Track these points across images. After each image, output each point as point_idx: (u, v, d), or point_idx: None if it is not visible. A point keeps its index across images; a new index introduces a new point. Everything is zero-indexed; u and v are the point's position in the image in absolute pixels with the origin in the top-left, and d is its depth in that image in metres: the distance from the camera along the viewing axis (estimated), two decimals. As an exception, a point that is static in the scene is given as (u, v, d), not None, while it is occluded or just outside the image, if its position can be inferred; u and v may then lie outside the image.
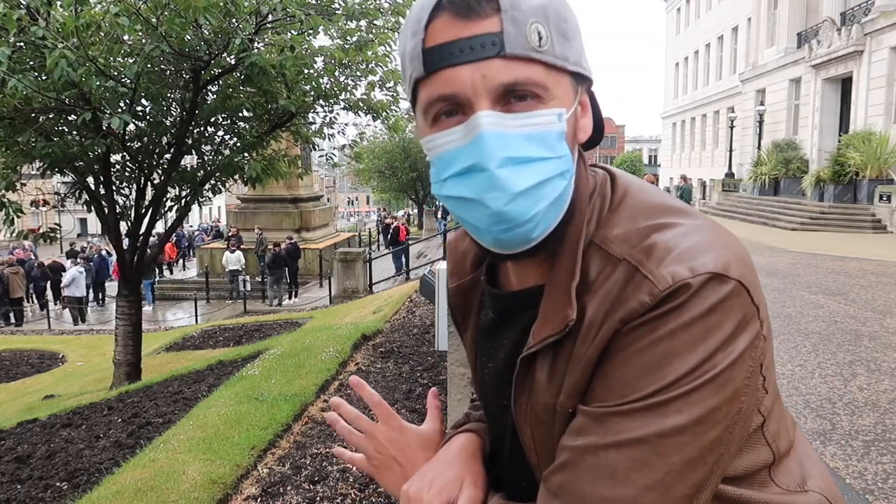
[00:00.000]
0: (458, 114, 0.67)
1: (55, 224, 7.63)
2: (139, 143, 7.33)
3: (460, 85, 0.65)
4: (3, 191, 6.42)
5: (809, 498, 0.75)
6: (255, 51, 5.90)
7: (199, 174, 7.29)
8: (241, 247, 18.75)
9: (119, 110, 6.17)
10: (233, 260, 17.99)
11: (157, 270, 20.89)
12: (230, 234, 20.55)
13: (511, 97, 0.66)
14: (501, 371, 0.82)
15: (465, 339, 0.95)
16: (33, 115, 6.21)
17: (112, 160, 7.30)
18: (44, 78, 5.73)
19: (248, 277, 18.30)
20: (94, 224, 30.26)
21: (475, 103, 0.65)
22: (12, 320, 17.37)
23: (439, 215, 25.70)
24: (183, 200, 7.80)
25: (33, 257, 20.95)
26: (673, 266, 0.64)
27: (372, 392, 0.92)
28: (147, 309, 17.27)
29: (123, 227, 7.73)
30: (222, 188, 8.08)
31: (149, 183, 7.58)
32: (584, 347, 0.68)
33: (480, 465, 0.86)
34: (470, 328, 0.91)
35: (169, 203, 7.91)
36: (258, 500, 3.08)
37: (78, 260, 19.07)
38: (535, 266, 0.76)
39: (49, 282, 19.26)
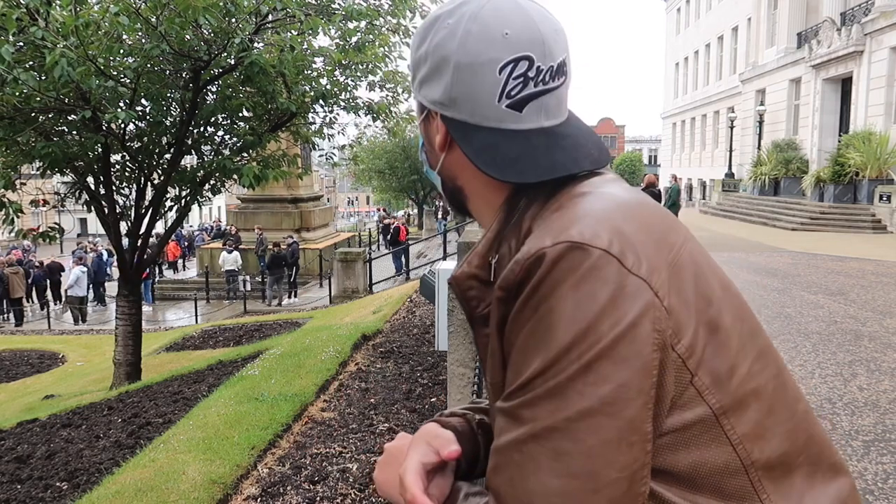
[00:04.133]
0: None
1: (55, 223, 7.62)
2: (139, 143, 7.33)
3: None
4: (3, 190, 6.42)
5: None
6: (255, 51, 5.90)
7: (198, 174, 7.29)
8: (241, 247, 18.73)
9: (119, 110, 6.17)
10: (230, 260, 17.97)
11: (158, 270, 20.89)
12: (231, 233, 20.55)
13: None
14: None
15: None
16: (33, 114, 6.20)
17: (112, 160, 7.30)
18: (43, 77, 5.73)
19: (247, 277, 18.28)
20: (95, 224, 30.26)
21: None
22: (12, 319, 17.39)
23: (439, 215, 25.70)
24: (183, 200, 7.80)
25: (32, 259, 20.94)
26: (543, 237, 0.68)
27: None
28: (146, 309, 17.27)
29: (123, 227, 7.73)
30: (222, 188, 8.08)
31: (149, 183, 7.58)
32: (490, 320, 0.73)
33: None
34: None
35: (169, 203, 7.91)
36: (258, 500, 3.08)
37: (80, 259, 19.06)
38: None
39: (49, 281, 19.26)
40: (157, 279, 20.11)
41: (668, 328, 0.66)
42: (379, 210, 41.32)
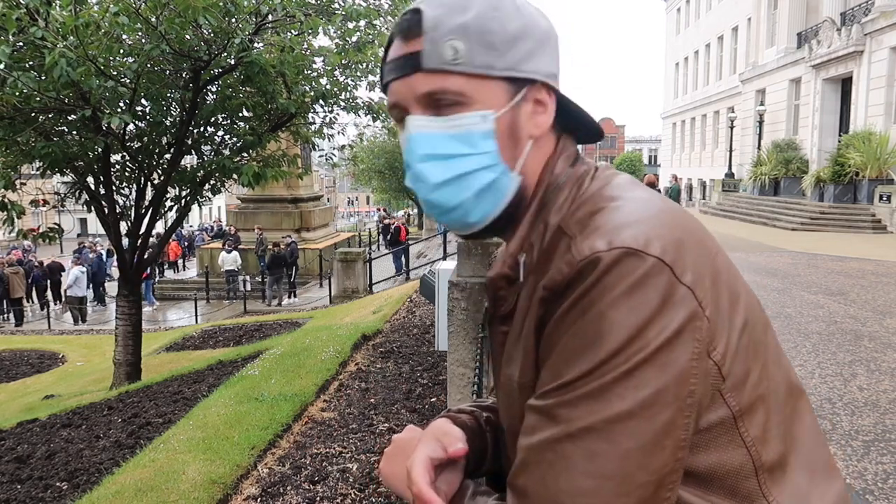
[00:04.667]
0: (405, 120, 0.78)
1: (55, 223, 7.62)
2: (139, 143, 7.33)
3: (397, 95, 0.78)
4: (3, 190, 6.42)
5: None
6: (255, 50, 5.90)
7: (198, 174, 7.29)
8: (240, 247, 18.72)
9: (119, 110, 6.17)
10: (229, 260, 17.97)
11: (158, 270, 20.89)
12: (230, 233, 20.56)
13: (439, 103, 0.75)
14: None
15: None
16: (33, 114, 6.20)
17: (112, 160, 7.30)
18: (43, 77, 5.72)
19: (247, 277, 18.28)
20: (95, 224, 30.26)
21: (410, 110, 0.77)
22: (12, 319, 17.38)
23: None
24: (183, 200, 7.80)
25: (32, 259, 20.93)
26: (594, 238, 0.67)
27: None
28: (148, 309, 17.26)
29: (123, 227, 7.73)
30: (222, 188, 8.08)
31: (149, 183, 7.58)
32: (526, 319, 0.72)
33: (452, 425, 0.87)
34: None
35: (169, 203, 7.91)
36: (258, 500, 3.08)
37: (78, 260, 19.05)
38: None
39: (49, 281, 19.25)
40: (156, 279, 20.10)
41: (707, 337, 0.67)
42: (379, 210, 41.31)
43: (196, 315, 15.57)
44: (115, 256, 9.34)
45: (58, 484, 4.14)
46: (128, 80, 6.16)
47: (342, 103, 7.72)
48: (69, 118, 6.49)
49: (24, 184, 7.04)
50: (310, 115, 8.11)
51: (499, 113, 0.76)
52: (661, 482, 0.64)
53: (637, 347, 0.63)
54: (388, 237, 20.78)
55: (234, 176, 7.09)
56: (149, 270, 16.19)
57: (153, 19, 5.61)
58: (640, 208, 0.71)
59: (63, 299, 18.31)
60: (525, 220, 0.79)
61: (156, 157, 7.47)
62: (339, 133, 8.85)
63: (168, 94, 6.91)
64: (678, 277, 0.65)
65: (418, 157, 0.76)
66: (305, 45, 6.61)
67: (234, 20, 6.10)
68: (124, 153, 7.24)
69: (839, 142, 19.23)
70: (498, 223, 0.79)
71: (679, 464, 0.66)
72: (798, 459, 0.75)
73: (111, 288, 18.29)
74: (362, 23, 6.89)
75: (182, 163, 7.45)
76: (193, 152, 7.69)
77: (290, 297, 17.61)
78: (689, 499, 0.69)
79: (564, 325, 0.66)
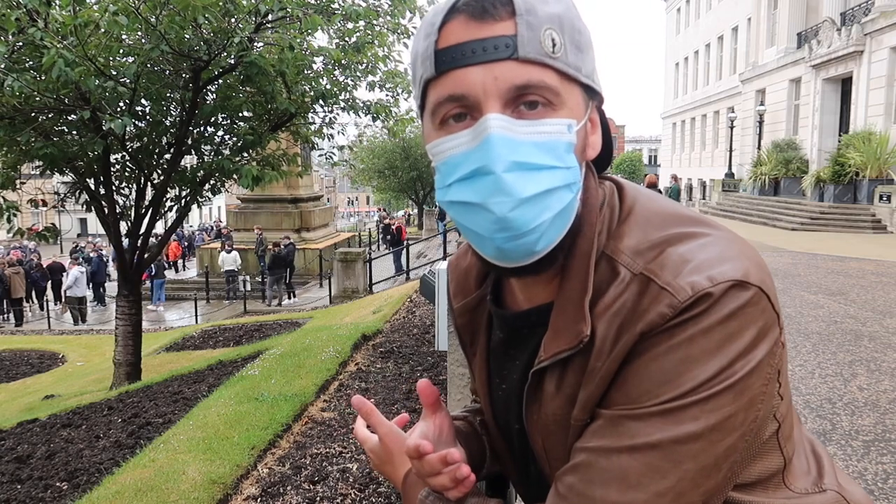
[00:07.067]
0: (467, 118, 0.66)
1: (52, 223, 7.61)
2: (139, 143, 7.33)
3: (471, 85, 0.65)
4: (2, 189, 6.42)
5: (826, 497, 0.75)
6: (255, 50, 5.90)
7: (198, 174, 7.29)
8: (235, 246, 18.73)
9: (118, 110, 6.16)
10: (228, 260, 17.97)
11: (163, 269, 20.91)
12: (223, 233, 20.59)
13: (521, 104, 0.65)
14: (514, 391, 0.81)
15: (473, 362, 0.91)
16: (33, 114, 6.20)
17: (112, 160, 7.29)
18: (42, 78, 5.72)
19: (247, 277, 18.29)
20: (95, 224, 30.26)
21: (485, 105, 0.65)
22: (12, 319, 17.38)
23: (436, 215, 25.72)
24: (183, 200, 7.80)
25: (32, 259, 20.92)
26: (691, 276, 0.64)
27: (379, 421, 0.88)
28: (156, 308, 17.27)
29: (123, 227, 7.73)
30: (222, 188, 8.08)
31: (149, 183, 7.58)
32: (598, 362, 0.67)
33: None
34: (479, 349, 0.88)
35: (169, 203, 7.91)
36: (258, 500, 3.08)
37: (76, 260, 19.04)
38: (544, 283, 0.75)
39: (49, 282, 19.25)
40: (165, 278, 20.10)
41: (780, 362, 0.67)
42: (379, 210, 41.32)
43: (196, 315, 15.57)
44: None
45: (58, 484, 4.13)
46: (127, 81, 6.16)
47: (342, 103, 7.72)
48: (69, 118, 6.49)
49: (24, 183, 7.04)
50: (310, 115, 8.10)
51: (579, 124, 0.69)
52: (708, 501, 0.64)
53: (724, 377, 0.62)
54: (388, 237, 20.78)
55: (234, 176, 7.09)
56: (154, 270, 16.24)
57: (152, 19, 5.61)
58: (715, 238, 0.69)
59: (63, 299, 18.33)
60: (585, 255, 0.71)
61: (156, 157, 7.47)
62: (339, 133, 8.85)
63: (168, 94, 6.91)
64: (773, 305, 0.66)
65: (506, 164, 0.63)
66: (305, 45, 6.61)
67: (233, 20, 6.09)
68: (124, 153, 7.24)
69: (839, 142, 19.24)
70: (552, 255, 0.69)
71: (729, 482, 0.66)
72: (798, 446, 0.78)
73: (111, 288, 18.28)
74: (361, 23, 6.89)
75: (182, 163, 7.44)
76: (193, 152, 7.68)
77: (289, 297, 17.62)
78: (731, 497, 0.70)
79: (650, 350, 0.64)
